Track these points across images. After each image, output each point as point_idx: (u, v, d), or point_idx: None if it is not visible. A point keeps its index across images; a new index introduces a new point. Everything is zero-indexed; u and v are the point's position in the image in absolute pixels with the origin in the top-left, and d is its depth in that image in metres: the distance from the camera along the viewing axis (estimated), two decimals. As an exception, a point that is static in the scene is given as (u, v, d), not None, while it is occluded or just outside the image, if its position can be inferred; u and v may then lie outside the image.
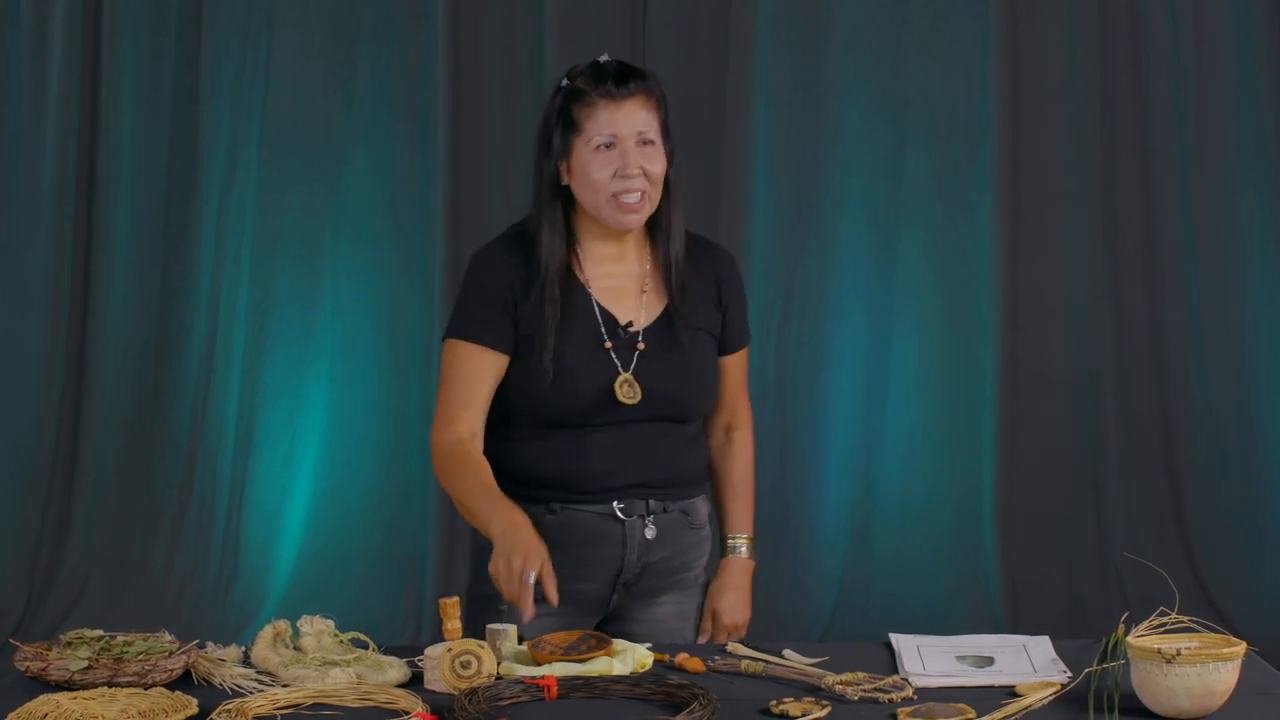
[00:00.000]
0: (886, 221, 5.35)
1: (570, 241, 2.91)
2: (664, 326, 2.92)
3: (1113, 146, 5.33)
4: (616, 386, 2.86)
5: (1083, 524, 5.36)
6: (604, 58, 2.90)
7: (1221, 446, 5.36)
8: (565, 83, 2.89)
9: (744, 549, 3.10)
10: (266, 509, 5.43)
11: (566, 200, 2.91)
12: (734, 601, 3.05)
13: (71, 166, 5.39)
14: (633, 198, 2.84)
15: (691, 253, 2.97)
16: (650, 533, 2.91)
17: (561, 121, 2.87)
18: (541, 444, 2.88)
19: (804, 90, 5.35)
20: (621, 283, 2.93)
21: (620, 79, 2.84)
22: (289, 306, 5.44)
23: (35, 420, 5.44)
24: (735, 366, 3.06)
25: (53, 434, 5.44)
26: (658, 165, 2.86)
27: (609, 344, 2.88)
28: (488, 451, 2.88)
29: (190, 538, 5.44)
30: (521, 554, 2.65)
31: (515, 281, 2.88)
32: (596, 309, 2.90)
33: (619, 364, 2.88)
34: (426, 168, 5.38)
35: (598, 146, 2.83)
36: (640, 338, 2.90)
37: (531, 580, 2.63)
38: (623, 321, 2.90)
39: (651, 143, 2.85)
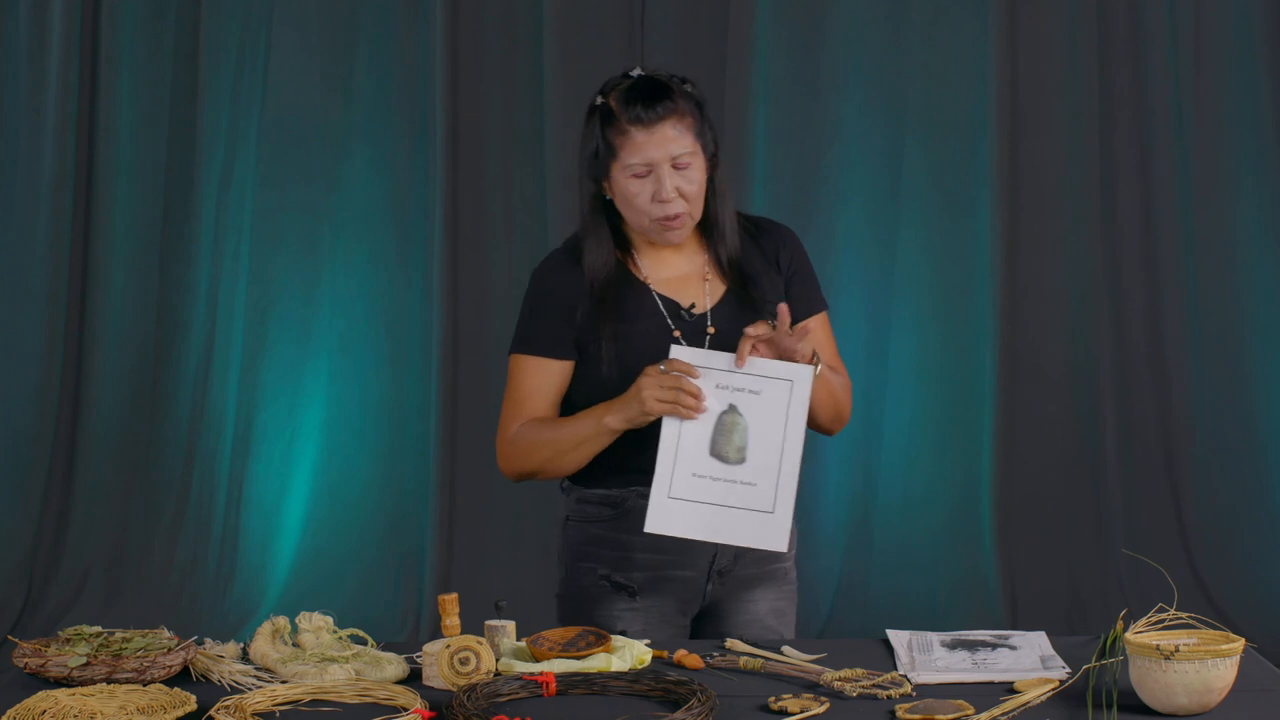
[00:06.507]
0: (885, 217, 5.36)
1: (625, 244, 2.93)
2: (731, 307, 2.92)
3: (1111, 142, 5.33)
4: None
5: (1081, 520, 5.36)
6: (636, 72, 2.87)
7: (1220, 441, 5.36)
8: (599, 100, 2.86)
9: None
10: (265, 506, 5.43)
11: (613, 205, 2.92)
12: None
13: (70, 163, 5.39)
14: (673, 221, 2.85)
15: (748, 234, 2.98)
16: None
17: (598, 144, 2.85)
18: (625, 433, 2.86)
19: (803, 86, 5.35)
20: (683, 271, 2.94)
21: (649, 102, 2.81)
22: (288, 303, 5.44)
23: (34, 417, 5.44)
24: (814, 334, 2.96)
25: (51, 430, 5.44)
26: (694, 183, 2.85)
27: (677, 332, 2.88)
28: None
29: (189, 534, 5.44)
30: (665, 376, 2.72)
31: (575, 290, 2.90)
32: (658, 300, 2.91)
33: None
34: (425, 164, 5.39)
35: (634, 174, 2.83)
36: (709, 321, 2.90)
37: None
38: (685, 305, 2.91)
39: (687, 164, 2.84)
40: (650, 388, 2.74)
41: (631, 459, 2.86)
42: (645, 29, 5.33)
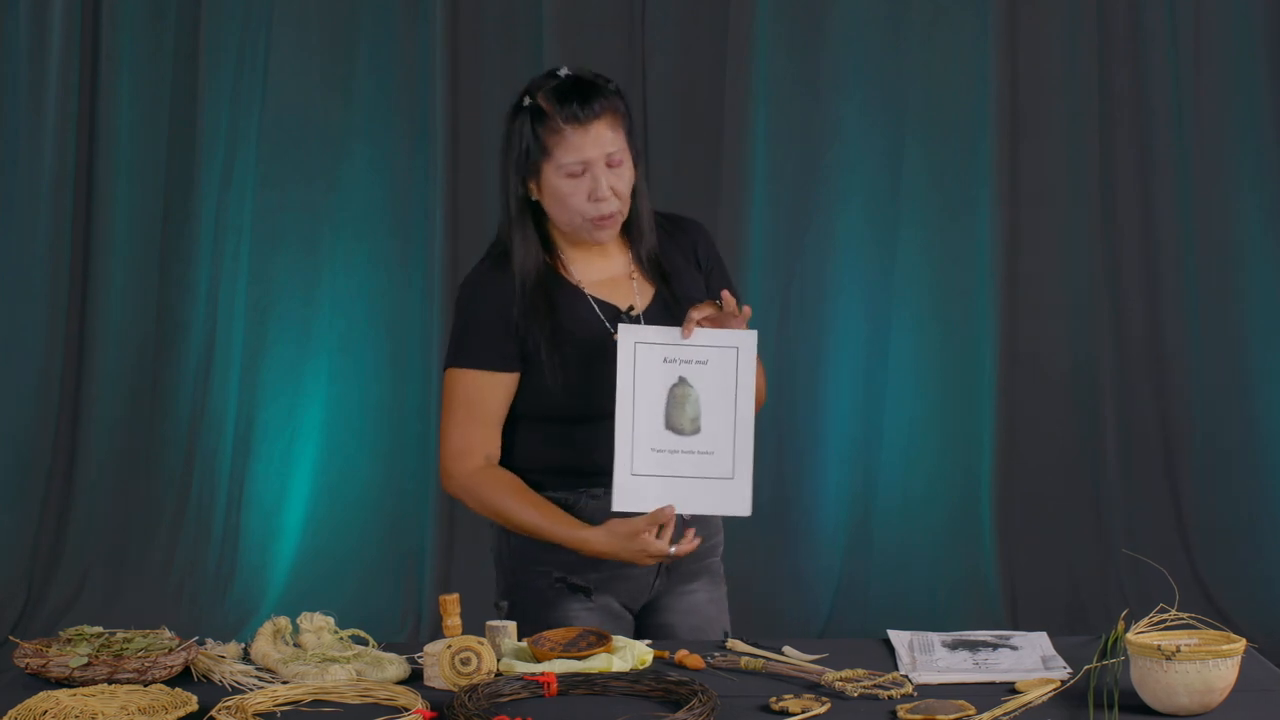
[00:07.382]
0: (885, 217, 5.36)
1: (550, 247, 2.92)
2: (660, 308, 2.93)
3: (1111, 142, 5.33)
4: None
5: (1082, 520, 5.36)
6: (563, 71, 2.86)
7: (1220, 442, 5.36)
8: (527, 101, 2.84)
9: None
10: (265, 506, 5.43)
11: (538, 208, 2.91)
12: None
13: (70, 164, 5.39)
14: (606, 220, 2.85)
15: (664, 230, 2.99)
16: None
17: (528, 143, 2.83)
18: (574, 436, 2.87)
19: (803, 85, 5.35)
20: (611, 273, 2.95)
21: (585, 100, 2.81)
22: (288, 303, 5.44)
23: (34, 417, 5.44)
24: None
25: (52, 430, 5.44)
26: (626, 181, 2.86)
27: (616, 334, 2.87)
28: (522, 449, 2.92)
29: (189, 535, 5.44)
30: (651, 550, 2.79)
31: (508, 300, 2.88)
32: (594, 304, 2.91)
33: None
34: (425, 164, 5.38)
35: (569, 173, 2.82)
36: (643, 322, 2.90)
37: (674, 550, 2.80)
38: (623, 308, 2.91)
39: (620, 161, 2.84)
40: (642, 558, 2.80)
41: (582, 462, 2.86)
42: (645, 29, 5.33)
